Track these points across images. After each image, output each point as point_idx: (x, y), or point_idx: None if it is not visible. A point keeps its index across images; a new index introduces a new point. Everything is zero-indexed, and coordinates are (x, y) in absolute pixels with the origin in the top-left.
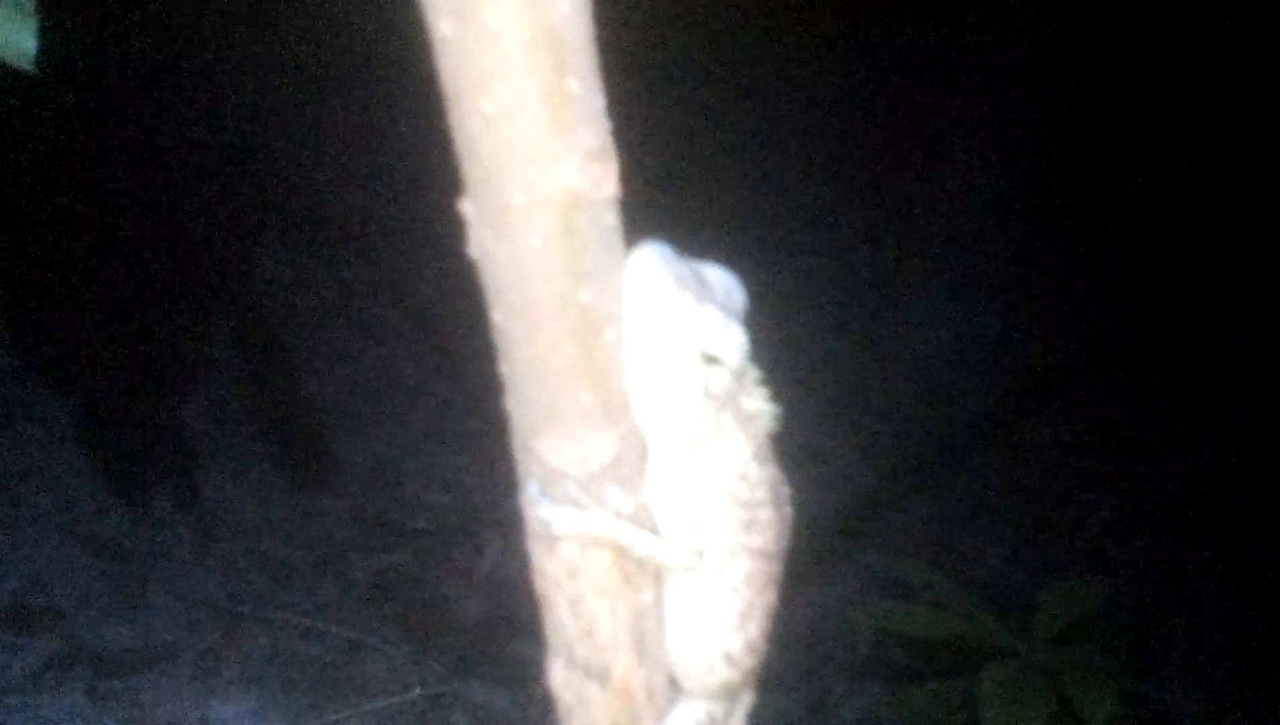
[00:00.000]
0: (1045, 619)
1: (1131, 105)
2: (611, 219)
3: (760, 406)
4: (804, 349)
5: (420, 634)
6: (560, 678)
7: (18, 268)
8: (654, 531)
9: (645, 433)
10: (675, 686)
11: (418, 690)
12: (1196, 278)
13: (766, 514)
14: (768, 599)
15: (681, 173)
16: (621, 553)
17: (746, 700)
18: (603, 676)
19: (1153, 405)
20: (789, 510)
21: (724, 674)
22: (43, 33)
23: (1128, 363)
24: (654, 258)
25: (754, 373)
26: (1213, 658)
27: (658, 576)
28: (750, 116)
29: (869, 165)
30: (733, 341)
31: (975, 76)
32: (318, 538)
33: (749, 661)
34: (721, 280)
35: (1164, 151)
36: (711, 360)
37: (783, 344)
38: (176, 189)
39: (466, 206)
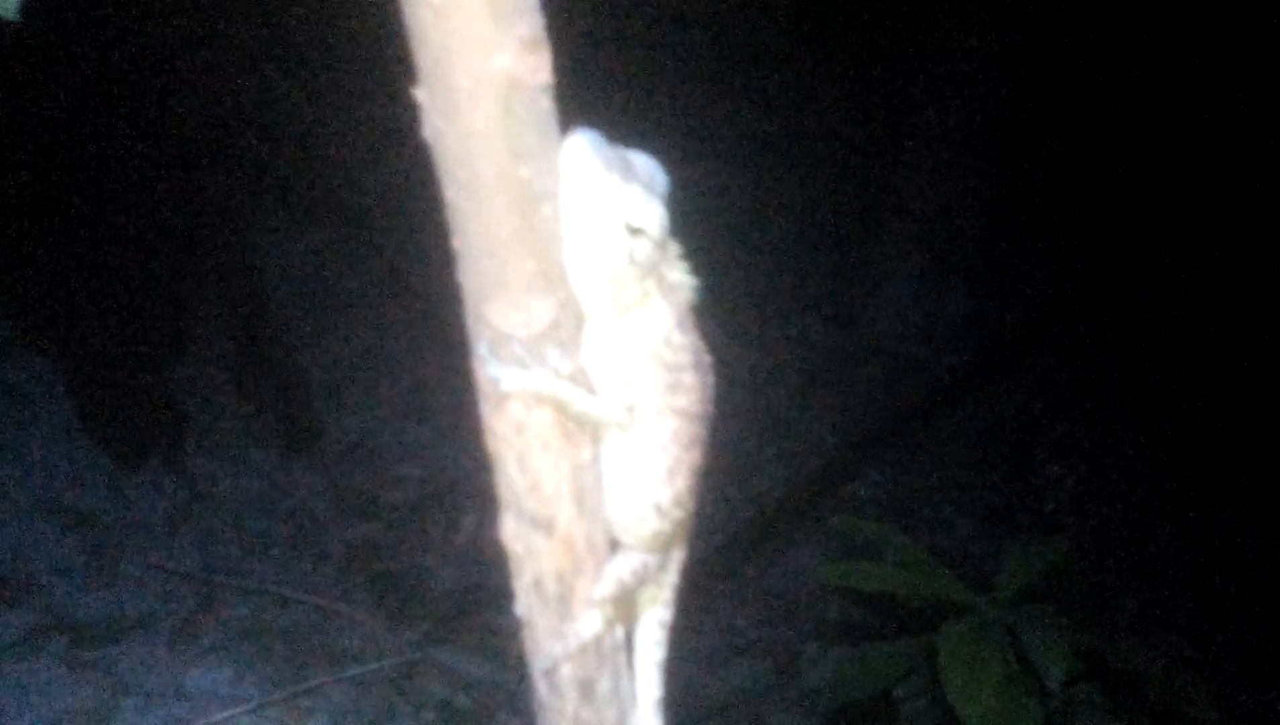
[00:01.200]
0: (1005, 578)
1: (1088, 92)
2: (546, 104)
3: (682, 277)
4: (776, 326)
5: (395, 603)
6: (510, 529)
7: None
8: (590, 391)
9: (581, 299)
10: (614, 543)
11: (393, 658)
12: (1158, 254)
13: (690, 378)
14: (693, 457)
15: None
16: (561, 409)
17: (678, 557)
18: (548, 527)
19: (1115, 379)
20: (711, 378)
21: (655, 524)
22: None
23: (1091, 338)
24: (585, 142)
25: (676, 248)
26: (1168, 619)
27: (595, 436)
28: (721, 97)
29: (841, 150)
30: (653, 214)
31: (943, 65)
32: (293, 510)
33: (677, 513)
34: (645, 164)
35: (1122, 134)
36: (635, 231)
37: (757, 322)
38: (168, 161)
39: (419, 93)
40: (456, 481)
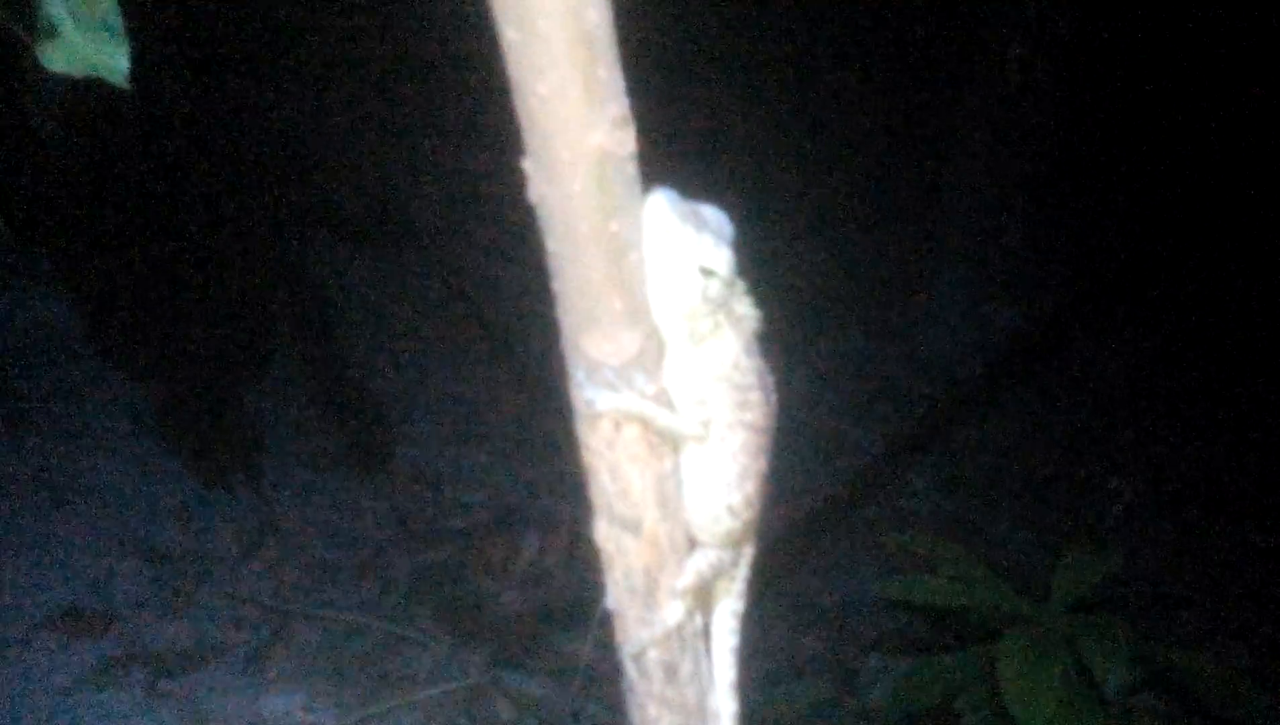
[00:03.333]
0: (1061, 588)
1: (1133, 106)
2: (632, 170)
3: (747, 310)
4: (828, 342)
5: (460, 628)
6: (603, 531)
7: (100, 268)
8: (670, 408)
9: (662, 332)
10: (692, 541)
11: (461, 681)
12: (1215, 265)
13: (756, 396)
14: (760, 464)
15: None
16: (647, 425)
17: (748, 552)
18: (635, 528)
19: (1173, 391)
20: (773, 395)
21: (728, 524)
22: (133, 53)
23: (1148, 351)
24: (664, 200)
25: (741, 285)
26: (1228, 629)
27: (675, 447)
28: (767, 125)
29: (890, 169)
30: (722, 258)
31: (989, 83)
32: (359, 538)
33: (747, 514)
34: (714, 216)
35: (1169, 146)
36: (708, 273)
37: (808, 339)
38: (248, 194)
39: (528, 163)
40: (517, 508)
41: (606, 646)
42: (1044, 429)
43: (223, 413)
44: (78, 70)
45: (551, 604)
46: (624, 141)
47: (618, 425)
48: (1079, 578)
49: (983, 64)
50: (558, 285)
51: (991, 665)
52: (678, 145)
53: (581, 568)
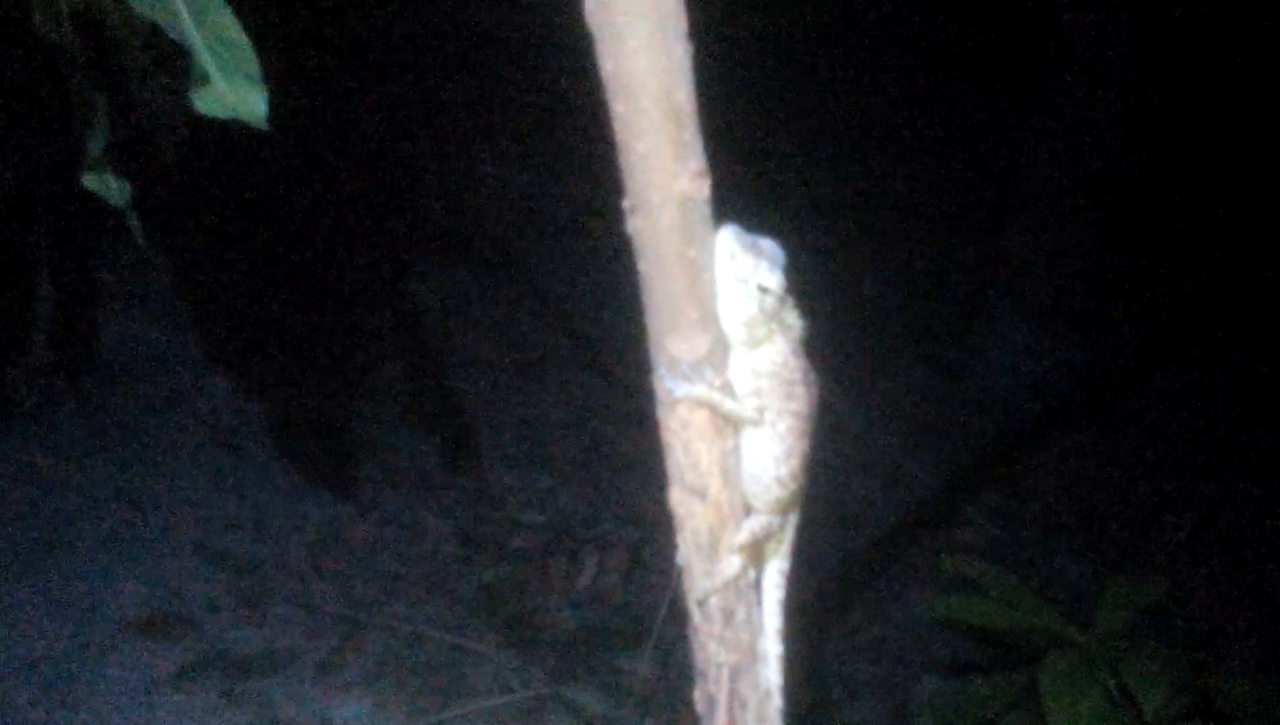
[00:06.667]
0: (1105, 614)
1: (1197, 138)
2: (707, 210)
3: (796, 321)
4: (887, 377)
5: (521, 642)
6: (676, 497)
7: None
8: (733, 397)
9: (728, 336)
10: (748, 508)
11: (521, 693)
12: (1274, 301)
13: (800, 389)
14: (804, 445)
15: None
16: (714, 410)
17: (793, 519)
18: (702, 495)
19: (1228, 428)
20: (815, 388)
21: (777, 492)
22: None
23: (1204, 388)
24: (730, 233)
25: (791, 301)
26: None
27: (736, 429)
28: (834, 155)
29: (951, 204)
30: (775, 279)
31: (1052, 117)
32: (425, 554)
33: (793, 485)
34: (770, 245)
35: (1232, 183)
36: (764, 291)
37: (867, 373)
38: (357, 213)
39: (627, 203)
40: (578, 529)
41: (663, 665)
42: (1103, 463)
43: (322, 426)
44: (223, 114)
45: (610, 623)
46: (702, 188)
47: (691, 410)
48: (1124, 604)
49: (1048, 90)
50: (646, 298)
51: (1034, 686)
52: (748, 187)
53: (639, 589)
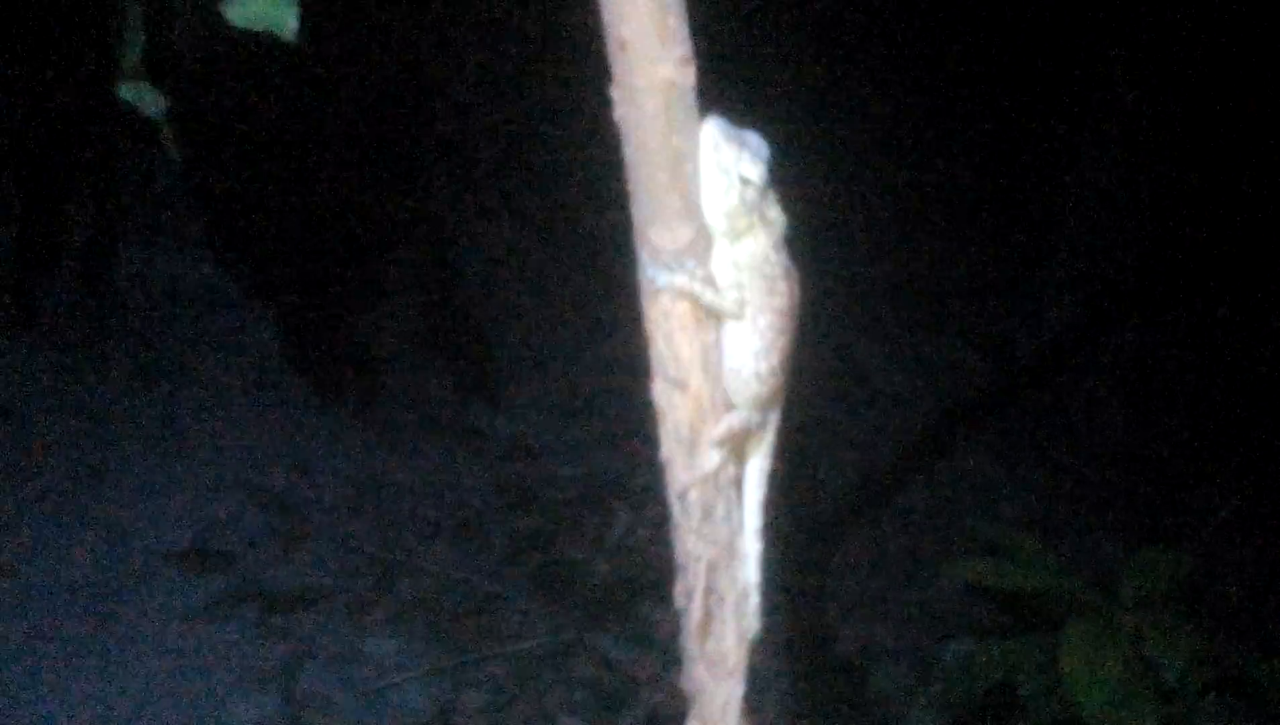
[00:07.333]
0: (1128, 583)
1: (1249, 127)
2: (692, 99)
3: (777, 215)
4: (935, 354)
5: (551, 591)
6: (658, 388)
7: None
8: (715, 289)
9: (710, 227)
10: (728, 403)
11: (548, 639)
12: None
13: (781, 285)
14: (783, 341)
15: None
16: (695, 301)
17: (774, 417)
18: (683, 387)
19: (1275, 409)
20: (796, 285)
21: (756, 388)
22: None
23: (1251, 372)
24: (714, 123)
25: (773, 195)
26: None
27: (717, 322)
28: (881, 128)
29: (1001, 191)
30: (757, 170)
31: (1104, 106)
32: (461, 502)
33: (772, 381)
34: (754, 138)
35: None
36: (745, 181)
37: (911, 349)
38: (387, 140)
39: (613, 90)
40: (611, 483)
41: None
42: (1142, 440)
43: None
44: (255, 25)
45: (639, 576)
46: (687, 75)
47: (673, 301)
48: (1150, 575)
49: (1102, 85)
50: (631, 186)
51: (1054, 650)
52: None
53: (670, 544)
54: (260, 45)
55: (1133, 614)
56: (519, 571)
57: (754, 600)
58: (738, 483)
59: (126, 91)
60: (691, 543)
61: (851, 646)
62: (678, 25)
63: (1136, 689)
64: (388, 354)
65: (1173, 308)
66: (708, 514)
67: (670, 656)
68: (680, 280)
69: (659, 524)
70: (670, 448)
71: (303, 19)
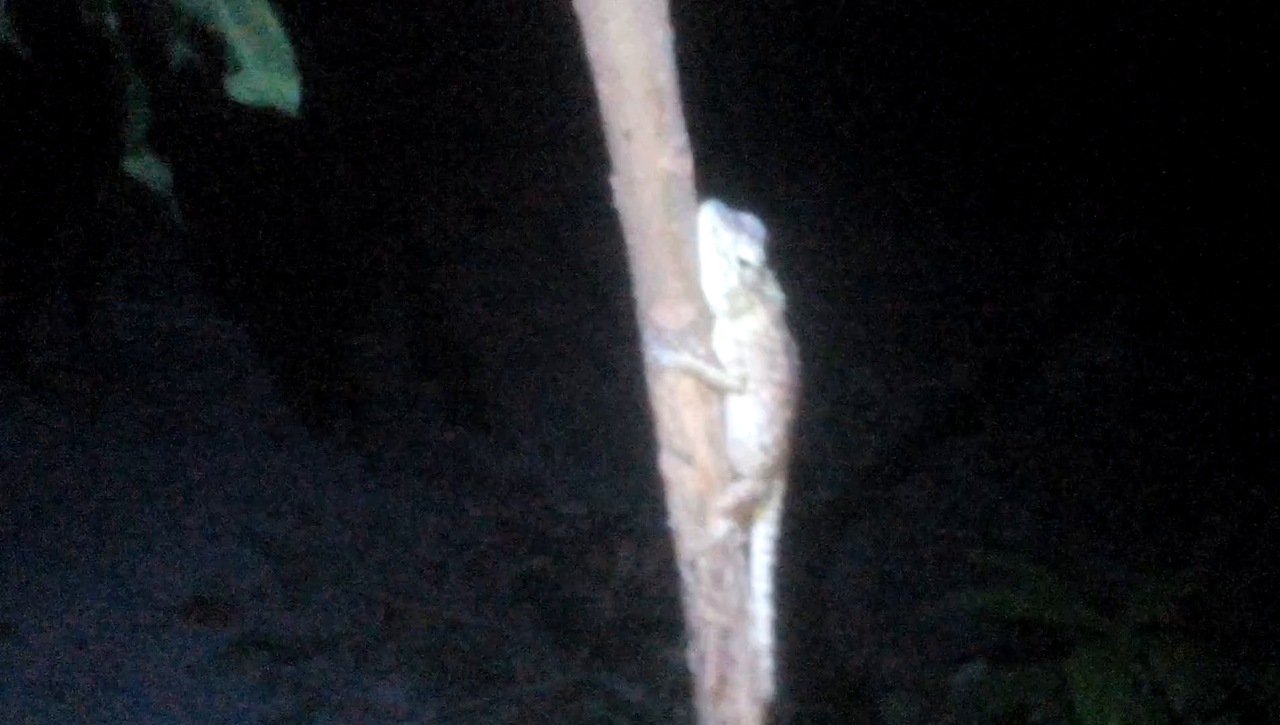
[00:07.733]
0: (1135, 606)
1: (1245, 138)
2: (690, 186)
3: (775, 293)
4: (933, 375)
5: (560, 631)
6: (666, 460)
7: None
8: (718, 366)
9: (711, 307)
10: (734, 473)
11: (558, 680)
12: None
13: (782, 359)
14: (786, 412)
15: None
16: (699, 378)
17: (779, 484)
18: (690, 460)
19: (1276, 431)
20: (796, 359)
21: (761, 458)
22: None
23: (1252, 390)
24: (712, 208)
25: (771, 274)
26: None
27: (720, 396)
28: (873, 147)
29: (997, 203)
30: (755, 252)
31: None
32: (466, 543)
33: (775, 452)
34: (751, 221)
35: None
36: (744, 263)
37: (911, 369)
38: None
39: (613, 179)
40: (616, 520)
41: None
42: (1146, 463)
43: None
44: (258, 101)
45: (647, 614)
46: (684, 165)
47: (677, 377)
48: (1156, 598)
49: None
50: (634, 270)
51: (1064, 677)
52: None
53: (676, 581)
54: (262, 118)
55: (1140, 638)
56: (526, 611)
57: (766, 663)
58: (746, 549)
59: (133, 164)
60: (703, 608)
61: (860, 676)
62: (674, 118)
63: (1146, 714)
64: (389, 398)
65: (1174, 327)
66: (718, 580)
67: (681, 694)
68: (684, 358)
69: (666, 559)
70: (679, 517)
71: (303, 91)
